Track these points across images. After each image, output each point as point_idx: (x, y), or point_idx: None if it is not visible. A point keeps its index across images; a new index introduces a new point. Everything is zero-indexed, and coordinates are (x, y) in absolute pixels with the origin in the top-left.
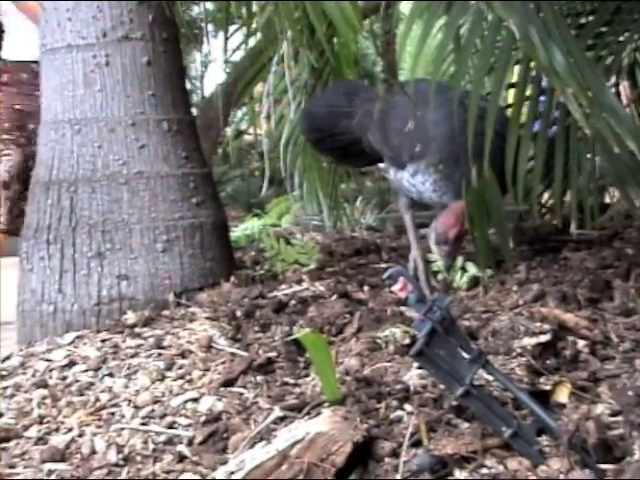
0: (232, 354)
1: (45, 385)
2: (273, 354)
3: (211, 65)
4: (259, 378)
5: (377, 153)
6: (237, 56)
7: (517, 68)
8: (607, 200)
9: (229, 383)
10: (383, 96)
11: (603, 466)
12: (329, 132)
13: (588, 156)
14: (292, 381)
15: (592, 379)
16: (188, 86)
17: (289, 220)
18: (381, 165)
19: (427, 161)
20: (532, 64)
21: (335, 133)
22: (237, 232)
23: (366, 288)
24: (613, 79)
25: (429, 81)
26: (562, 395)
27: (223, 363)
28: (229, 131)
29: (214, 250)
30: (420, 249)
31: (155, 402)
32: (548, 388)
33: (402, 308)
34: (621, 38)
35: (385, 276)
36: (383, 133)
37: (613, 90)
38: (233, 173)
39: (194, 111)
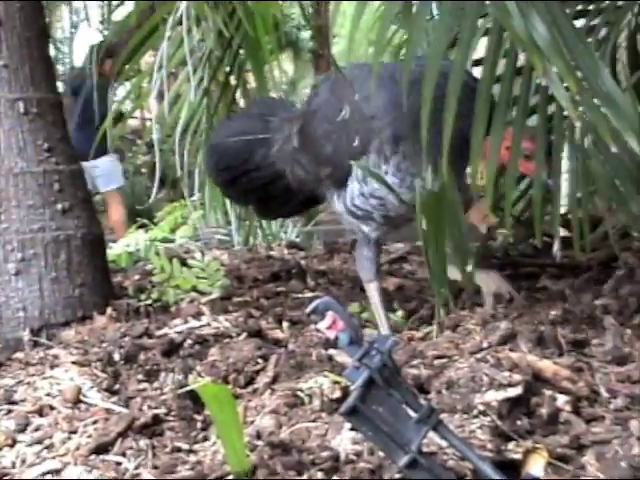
0: (107, 411)
1: None
2: (162, 411)
3: (83, 26)
4: (142, 442)
5: (309, 188)
6: (119, 14)
7: (486, 40)
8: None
9: (103, 449)
10: (301, 109)
11: None
12: (242, 169)
13: (576, 155)
14: (186, 446)
15: (575, 445)
16: (52, 54)
17: (186, 234)
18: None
19: (380, 148)
20: (506, 35)
21: (249, 169)
22: (117, 249)
23: (285, 325)
24: (608, 57)
25: (370, 65)
26: (536, 466)
27: (95, 423)
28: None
29: (85, 273)
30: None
31: (2, 475)
32: (518, 457)
33: (331, 351)
34: (620, 2)
35: (309, 309)
36: (311, 150)
37: (609, 70)
38: None
39: (60, 88)
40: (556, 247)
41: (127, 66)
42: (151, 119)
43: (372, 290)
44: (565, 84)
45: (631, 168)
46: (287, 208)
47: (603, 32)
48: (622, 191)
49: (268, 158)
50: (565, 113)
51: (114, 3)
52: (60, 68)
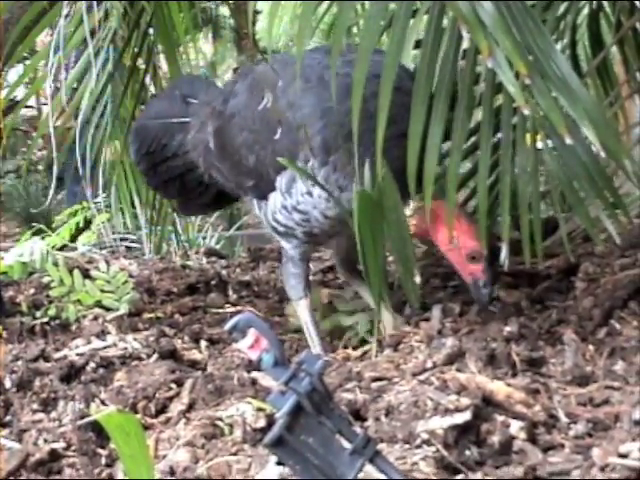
0: None
1: None
2: (60, 445)
3: None
4: None
5: (228, 191)
6: None
7: (425, 18)
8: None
9: None
10: (219, 105)
11: None
12: (161, 156)
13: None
14: None
15: (531, 477)
16: None
17: (89, 241)
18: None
19: (308, 158)
20: (448, 13)
21: (167, 157)
22: (8, 258)
23: (203, 344)
24: (567, 37)
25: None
26: None
27: None
28: None
29: None
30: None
31: None
32: None
33: (255, 374)
34: None
35: (228, 326)
36: (230, 159)
37: (566, 53)
38: (3, 167)
39: None
40: (504, 254)
41: (19, 46)
42: (48, 109)
43: (302, 308)
44: (514, 68)
45: (588, 163)
46: (202, 200)
47: (562, 9)
48: (578, 190)
49: (184, 146)
50: (515, 102)
51: None
52: None
